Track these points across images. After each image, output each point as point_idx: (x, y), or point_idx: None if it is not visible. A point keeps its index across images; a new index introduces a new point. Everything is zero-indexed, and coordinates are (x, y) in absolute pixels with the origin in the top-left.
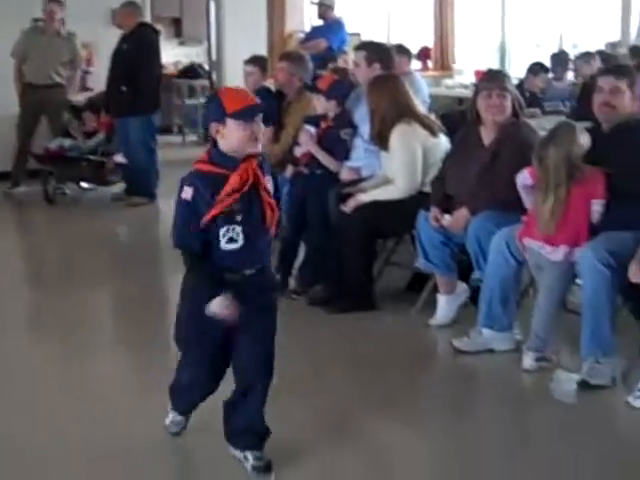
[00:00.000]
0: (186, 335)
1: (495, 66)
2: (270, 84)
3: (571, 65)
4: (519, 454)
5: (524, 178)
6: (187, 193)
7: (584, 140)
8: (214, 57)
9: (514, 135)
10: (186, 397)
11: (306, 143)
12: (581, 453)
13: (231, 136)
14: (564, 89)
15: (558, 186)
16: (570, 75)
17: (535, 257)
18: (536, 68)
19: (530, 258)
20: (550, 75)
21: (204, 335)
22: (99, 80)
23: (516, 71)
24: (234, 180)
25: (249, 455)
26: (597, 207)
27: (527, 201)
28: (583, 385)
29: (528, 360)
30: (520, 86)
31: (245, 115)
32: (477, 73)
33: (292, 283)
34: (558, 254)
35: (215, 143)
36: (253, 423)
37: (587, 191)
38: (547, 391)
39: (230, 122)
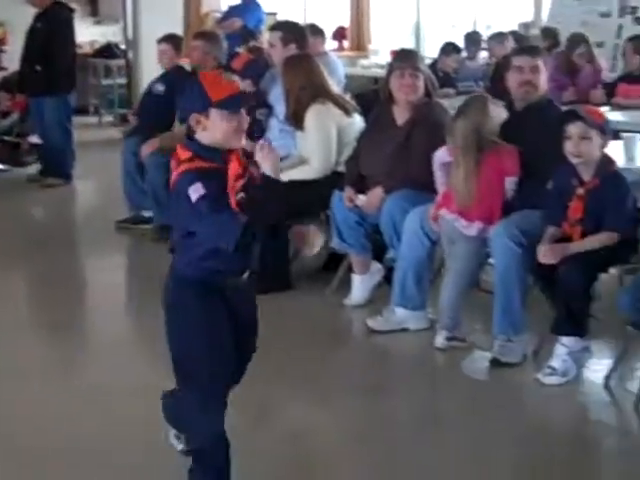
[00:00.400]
0: (192, 352)
1: (411, 46)
2: (185, 63)
3: (484, 45)
4: (432, 431)
5: (442, 156)
6: (198, 189)
7: (497, 112)
8: (130, 36)
9: (427, 115)
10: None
11: None
12: (492, 429)
13: (214, 128)
14: (477, 69)
15: (467, 155)
16: (483, 55)
17: (449, 230)
18: (448, 48)
19: (444, 231)
20: (463, 55)
21: (217, 346)
22: (13, 59)
23: (432, 51)
24: (234, 167)
25: (183, 437)
26: (510, 185)
27: (440, 183)
28: (494, 363)
29: (440, 339)
30: (433, 66)
31: (232, 105)
32: (393, 53)
33: None
34: (472, 229)
35: (190, 136)
36: None
37: (501, 167)
38: (459, 369)
39: (214, 113)
